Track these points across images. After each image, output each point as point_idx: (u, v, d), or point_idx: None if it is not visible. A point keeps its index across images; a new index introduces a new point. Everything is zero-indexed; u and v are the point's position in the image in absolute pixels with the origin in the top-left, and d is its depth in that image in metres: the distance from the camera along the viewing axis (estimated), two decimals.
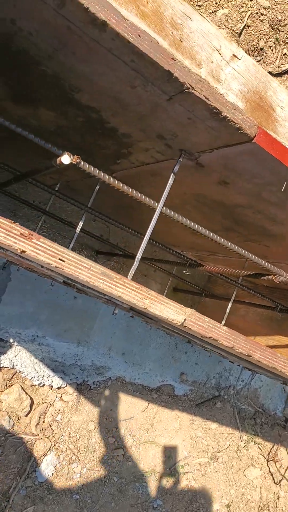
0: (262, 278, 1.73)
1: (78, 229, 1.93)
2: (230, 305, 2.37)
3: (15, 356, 2.86)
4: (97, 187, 1.97)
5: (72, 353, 3.07)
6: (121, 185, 1.35)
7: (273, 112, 1.23)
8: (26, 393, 2.93)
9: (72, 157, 1.22)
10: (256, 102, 1.19)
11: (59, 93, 1.39)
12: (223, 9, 3.73)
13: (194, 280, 3.28)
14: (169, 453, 3.50)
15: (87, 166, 1.26)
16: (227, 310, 2.37)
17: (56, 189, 2.46)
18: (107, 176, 1.32)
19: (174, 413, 3.56)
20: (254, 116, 1.20)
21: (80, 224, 1.95)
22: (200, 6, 3.77)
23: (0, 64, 1.38)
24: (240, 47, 3.60)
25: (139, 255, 1.38)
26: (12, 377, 2.90)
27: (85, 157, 1.89)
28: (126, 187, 1.36)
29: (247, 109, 1.19)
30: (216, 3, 3.75)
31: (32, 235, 0.91)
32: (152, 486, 3.44)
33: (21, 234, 0.89)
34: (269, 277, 1.72)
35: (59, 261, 0.94)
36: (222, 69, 1.13)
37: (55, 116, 1.59)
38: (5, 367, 2.86)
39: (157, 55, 1.03)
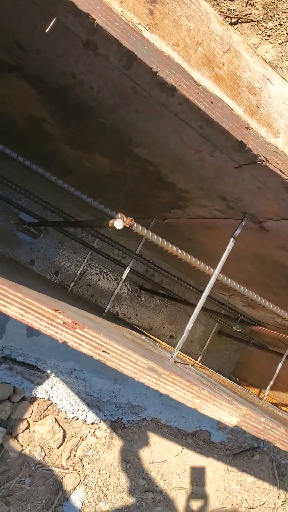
0: None
1: (124, 275, 1.83)
2: (280, 365, 2.18)
3: (51, 387, 2.79)
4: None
5: (109, 390, 2.97)
6: (174, 248, 1.23)
7: None
8: (59, 425, 2.86)
9: (125, 220, 1.13)
10: None
11: (117, 144, 1.30)
12: None
13: (241, 325, 3.10)
14: (201, 503, 3.30)
15: (141, 228, 1.16)
16: (277, 370, 2.19)
17: None
18: (160, 240, 1.21)
19: (209, 460, 3.36)
20: None
21: (127, 270, 1.85)
22: (269, 36, 3.63)
23: (56, 108, 1.32)
24: None
25: (188, 327, 1.26)
26: (46, 408, 2.83)
27: (138, 200, 1.80)
28: (180, 251, 1.24)
29: None
30: (287, 33, 3.60)
31: (76, 324, 0.81)
32: None
33: (64, 323, 0.80)
34: None
35: (103, 353, 0.84)
36: None
37: (110, 163, 1.50)
38: (40, 398, 2.80)
39: (230, 124, 0.91)
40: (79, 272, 2.27)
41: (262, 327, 1.80)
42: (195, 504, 3.29)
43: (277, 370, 2.20)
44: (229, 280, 1.31)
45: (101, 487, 2.99)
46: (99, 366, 2.88)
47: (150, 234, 1.19)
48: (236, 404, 0.96)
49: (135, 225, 1.14)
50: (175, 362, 1.24)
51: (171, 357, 1.24)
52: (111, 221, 1.12)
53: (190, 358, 2.62)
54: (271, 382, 2.22)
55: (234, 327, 1.98)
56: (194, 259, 1.28)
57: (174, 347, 2.94)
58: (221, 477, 3.38)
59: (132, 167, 1.43)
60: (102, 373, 2.90)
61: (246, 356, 3.31)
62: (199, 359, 2.88)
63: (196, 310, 1.29)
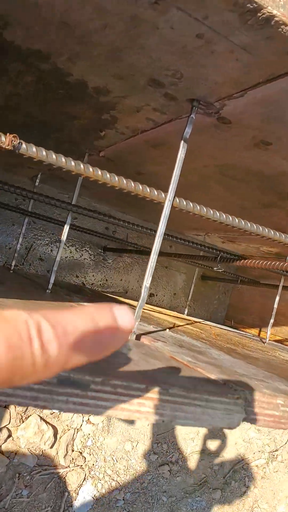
0: None
1: (63, 236, 1.42)
2: (277, 298, 1.84)
3: None
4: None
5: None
6: (99, 173, 0.82)
7: None
8: (46, 422, 2.51)
9: (3, 140, 0.70)
10: None
11: None
12: None
13: (222, 264, 2.74)
14: (221, 461, 3.06)
15: (34, 150, 0.74)
16: (275, 305, 1.84)
17: (38, 181, 1.95)
18: (72, 163, 0.80)
19: None
20: None
21: (66, 228, 1.43)
22: None
23: None
24: None
25: (146, 282, 0.86)
26: (26, 408, 2.47)
27: (58, 134, 1.36)
28: (108, 176, 0.83)
29: None
30: None
31: None
32: (207, 499, 3.02)
33: None
34: None
35: None
36: None
37: None
38: None
39: None
40: (18, 245, 1.84)
41: (247, 260, 1.43)
42: (216, 463, 3.05)
43: (275, 305, 1.86)
44: (190, 205, 0.91)
45: (111, 474, 2.69)
46: None
47: (54, 156, 0.77)
48: (234, 389, 0.59)
49: (22, 145, 0.72)
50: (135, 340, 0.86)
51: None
52: None
53: (173, 313, 2.27)
54: (272, 320, 1.88)
55: (215, 268, 1.61)
56: (138, 186, 0.87)
57: (155, 306, 2.56)
58: (237, 428, 3.14)
59: (21, 75, 0.98)
60: None
61: (237, 296, 2.99)
62: (185, 312, 2.53)
63: (153, 255, 0.89)
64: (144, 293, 0.85)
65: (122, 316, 0.26)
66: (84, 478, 2.61)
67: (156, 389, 0.50)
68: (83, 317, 0.25)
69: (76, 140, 1.36)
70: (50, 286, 1.39)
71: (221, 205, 1.65)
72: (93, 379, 0.47)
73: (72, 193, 2.19)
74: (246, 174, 1.22)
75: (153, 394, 0.50)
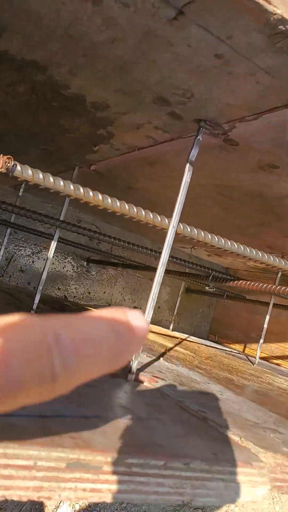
0: None
1: (50, 253, 1.34)
2: (267, 318, 1.80)
3: None
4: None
5: None
6: (100, 197, 0.75)
7: None
8: None
9: None
10: None
11: None
12: None
13: (214, 283, 2.70)
14: None
15: (30, 172, 0.66)
16: (265, 325, 1.80)
17: (21, 190, 1.86)
18: (71, 186, 0.72)
19: None
20: None
21: (53, 244, 1.36)
22: None
23: None
24: None
25: (148, 314, 0.80)
26: None
27: (48, 147, 1.29)
28: (109, 201, 0.76)
29: None
30: None
31: None
32: None
33: None
34: None
35: None
36: None
37: None
38: None
39: None
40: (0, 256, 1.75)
41: (241, 281, 1.39)
42: None
43: (265, 325, 1.82)
44: (194, 231, 0.85)
45: None
46: None
47: (51, 179, 0.70)
48: (256, 454, 0.52)
49: (17, 167, 0.65)
50: None
51: None
52: None
53: (158, 329, 2.20)
54: (261, 340, 1.84)
55: (207, 288, 1.56)
56: (141, 211, 0.81)
57: None
58: None
59: (13, 84, 0.90)
60: None
61: (221, 310, 2.95)
62: (171, 327, 2.47)
63: (155, 285, 0.83)
64: None
65: (137, 320, 0.24)
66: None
67: (176, 464, 0.44)
68: (100, 324, 0.23)
69: (67, 153, 1.29)
70: (35, 307, 1.30)
71: (211, 224, 1.60)
72: (106, 459, 0.40)
73: (56, 203, 2.11)
74: (245, 195, 1.17)
75: (173, 471, 0.43)
